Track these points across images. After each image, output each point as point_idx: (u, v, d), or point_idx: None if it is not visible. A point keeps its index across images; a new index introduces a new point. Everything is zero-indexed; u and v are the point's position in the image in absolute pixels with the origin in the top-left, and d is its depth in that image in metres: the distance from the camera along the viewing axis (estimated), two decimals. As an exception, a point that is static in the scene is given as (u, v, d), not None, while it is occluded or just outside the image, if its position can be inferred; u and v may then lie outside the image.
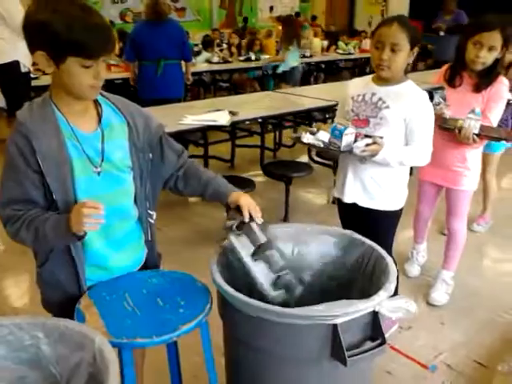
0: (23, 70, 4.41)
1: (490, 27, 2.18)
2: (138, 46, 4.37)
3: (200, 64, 7.17)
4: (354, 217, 2.06)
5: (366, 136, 1.89)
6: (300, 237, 1.67)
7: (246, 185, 3.22)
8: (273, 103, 4.28)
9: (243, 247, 1.42)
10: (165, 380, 1.76)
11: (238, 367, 1.50)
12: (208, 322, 1.38)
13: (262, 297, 1.40)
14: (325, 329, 1.23)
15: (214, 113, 3.53)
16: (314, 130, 1.94)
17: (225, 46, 9.22)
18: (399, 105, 1.90)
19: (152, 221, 1.56)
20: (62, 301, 1.42)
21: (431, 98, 2.07)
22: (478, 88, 2.30)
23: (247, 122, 4.03)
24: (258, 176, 4.19)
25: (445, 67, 2.46)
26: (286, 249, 1.66)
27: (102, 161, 1.36)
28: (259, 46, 8.10)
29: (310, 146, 2.06)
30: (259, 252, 1.42)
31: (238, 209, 1.45)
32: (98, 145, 1.36)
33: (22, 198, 1.30)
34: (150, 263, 1.60)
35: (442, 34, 5.90)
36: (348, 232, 1.65)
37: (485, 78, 2.28)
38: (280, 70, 6.31)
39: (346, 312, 1.23)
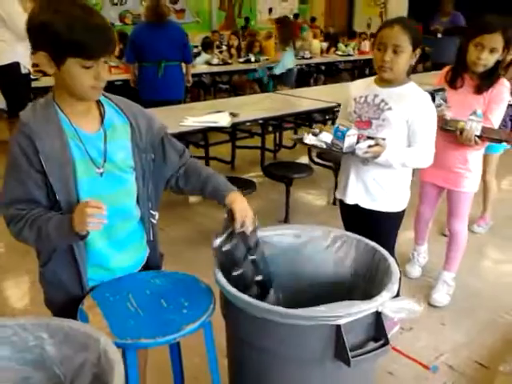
0: (23, 71, 4.41)
1: (492, 29, 2.19)
2: (139, 47, 4.37)
3: (200, 66, 7.18)
4: (357, 218, 2.07)
5: (369, 137, 1.89)
6: (301, 238, 1.67)
7: (246, 186, 3.23)
8: (273, 104, 4.29)
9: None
10: (167, 380, 1.77)
11: (241, 367, 1.50)
12: (211, 322, 1.39)
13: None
14: (328, 329, 1.23)
15: (214, 114, 3.53)
16: (317, 131, 1.95)
17: (224, 47, 9.23)
18: (401, 106, 1.91)
19: (154, 221, 1.57)
20: (64, 301, 1.43)
21: (432, 99, 2.07)
22: (479, 90, 2.30)
23: (248, 124, 4.04)
24: (258, 177, 4.20)
25: (446, 69, 2.47)
26: (287, 250, 1.67)
27: (105, 161, 1.36)
28: (259, 47, 8.10)
29: (312, 147, 2.06)
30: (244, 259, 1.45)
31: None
32: (100, 145, 1.36)
33: (25, 197, 1.30)
34: (153, 263, 1.61)
35: (439, 36, 5.90)
36: (350, 233, 1.65)
37: (486, 80, 2.28)
38: (275, 71, 6.26)
39: (350, 313, 1.23)
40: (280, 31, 6.28)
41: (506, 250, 3.29)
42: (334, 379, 1.37)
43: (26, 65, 4.43)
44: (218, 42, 9.41)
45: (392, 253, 1.70)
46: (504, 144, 2.95)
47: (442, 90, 2.29)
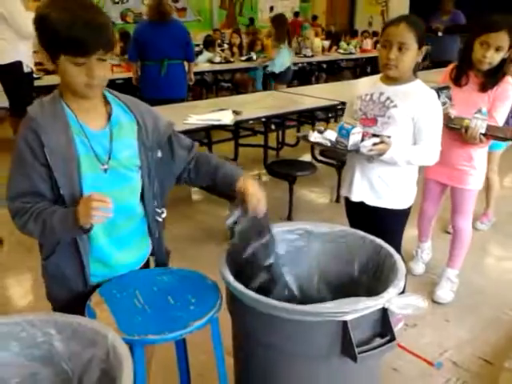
0: (26, 70, 4.42)
1: (497, 27, 2.19)
2: (141, 46, 4.37)
3: (202, 64, 7.18)
4: (362, 215, 2.07)
5: (374, 135, 1.89)
6: (307, 235, 1.67)
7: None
8: (275, 103, 4.29)
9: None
10: (173, 377, 1.77)
11: (247, 363, 1.51)
12: (218, 318, 1.39)
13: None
14: (335, 325, 1.24)
15: (217, 112, 3.54)
16: (322, 128, 1.95)
17: (226, 46, 9.23)
18: (407, 104, 1.90)
19: (160, 219, 1.57)
20: (66, 295, 1.44)
21: (437, 97, 2.07)
22: (484, 87, 2.30)
23: (251, 122, 4.04)
24: (261, 175, 4.20)
25: (451, 66, 2.47)
26: (292, 247, 1.67)
27: (109, 159, 1.37)
28: (260, 45, 8.10)
29: (317, 145, 2.07)
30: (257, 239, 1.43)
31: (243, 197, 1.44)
32: (106, 143, 1.37)
33: (30, 190, 1.31)
34: (159, 260, 1.61)
35: (440, 34, 5.89)
36: (355, 230, 1.65)
37: (491, 78, 2.28)
38: (274, 69, 6.18)
39: (356, 309, 1.23)
40: (275, 29, 6.19)
41: (508, 246, 3.30)
42: (341, 375, 1.38)
43: (29, 63, 4.44)
44: (219, 41, 9.41)
45: (398, 250, 1.71)
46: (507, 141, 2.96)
47: (447, 87, 2.29)
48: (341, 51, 9.75)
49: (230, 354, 1.56)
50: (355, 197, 2.07)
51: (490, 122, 2.22)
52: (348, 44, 10.17)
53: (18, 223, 1.33)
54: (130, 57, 4.69)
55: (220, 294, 1.41)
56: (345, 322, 1.23)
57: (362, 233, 1.62)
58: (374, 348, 1.28)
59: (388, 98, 1.93)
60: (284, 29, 6.09)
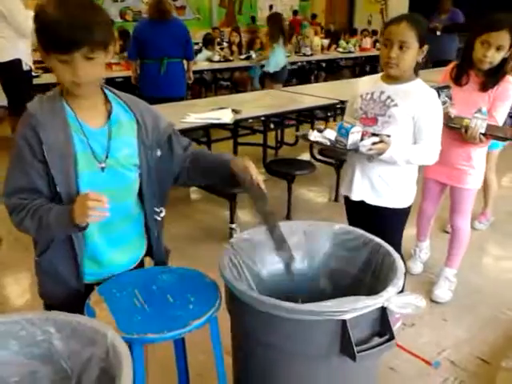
0: (25, 68, 4.42)
1: (499, 27, 2.19)
2: (141, 44, 4.36)
3: (201, 62, 7.18)
4: (362, 214, 2.07)
5: (373, 134, 1.89)
6: (306, 234, 1.68)
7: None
8: (274, 101, 4.29)
9: None
10: (171, 377, 1.77)
11: (246, 363, 1.51)
12: (217, 317, 1.39)
13: None
14: (334, 324, 1.24)
15: (217, 111, 3.54)
16: (321, 127, 1.96)
17: (225, 44, 9.22)
18: (408, 103, 1.91)
19: (159, 218, 1.57)
20: (59, 292, 1.44)
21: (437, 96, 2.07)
22: (484, 87, 2.30)
23: (250, 120, 4.04)
24: (260, 174, 4.20)
25: (451, 65, 2.47)
26: (292, 246, 1.67)
27: (107, 157, 1.37)
28: (260, 44, 8.09)
29: (316, 144, 2.07)
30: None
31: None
32: (104, 141, 1.37)
33: (28, 187, 1.32)
34: (158, 259, 1.61)
35: (438, 33, 5.89)
36: (355, 229, 1.65)
37: (492, 77, 2.29)
38: (269, 69, 6.08)
39: (355, 308, 1.23)
40: (269, 27, 6.12)
41: (506, 246, 3.30)
42: (340, 374, 1.38)
43: (28, 62, 4.44)
44: (218, 39, 9.40)
45: (398, 249, 1.71)
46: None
47: (447, 87, 2.29)
48: (340, 50, 9.75)
49: (229, 353, 1.56)
50: (355, 196, 2.07)
51: (489, 122, 2.22)
52: (347, 43, 10.18)
53: (15, 219, 1.33)
54: (130, 55, 4.68)
55: (219, 293, 1.41)
56: (344, 321, 1.23)
57: (361, 231, 1.63)
58: (373, 347, 1.28)
59: (389, 97, 1.93)
60: (278, 28, 6.01)
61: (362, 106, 2.00)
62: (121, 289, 1.42)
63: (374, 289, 1.39)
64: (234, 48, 8.79)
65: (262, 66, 6.43)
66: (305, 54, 8.65)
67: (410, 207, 2.09)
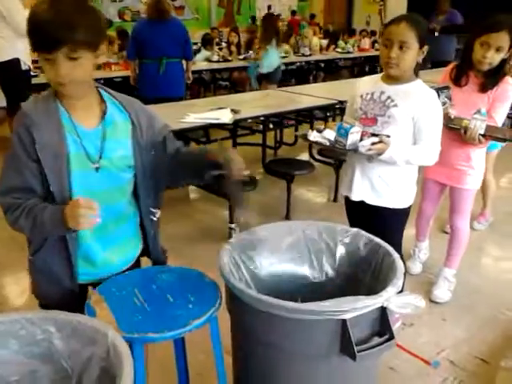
0: (23, 67, 4.41)
1: (498, 28, 2.19)
2: (140, 44, 4.36)
3: (200, 62, 7.17)
4: (362, 214, 2.07)
5: (373, 134, 1.89)
6: (305, 234, 1.68)
7: (248, 183, 3.22)
8: (273, 101, 4.29)
9: None
10: (171, 376, 1.77)
11: (246, 363, 1.51)
12: (217, 317, 1.39)
13: None
14: (334, 324, 1.24)
15: (216, 111, 3.54)
16: (321, 127, 1.96)
17: (224, 44, 9.22)
18: (407, 103, 1.91)
19: (155, 218, 1.56)
20: (53, 291, 1.44)
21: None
22: (483, 88, 2.31)
23: (249, 120, 4.04)
24: (259, 174, 4.21)
25: (450, 66, 2.48)
26: (291, 246, 1.67)
27: (100, 158, 1.36)
28: (258, 44, 8.10)
29: (316, 144, 2.07)
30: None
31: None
32: (97, 142, 1.36)
33: (22, 186, 1.32)
34: (156, 259, 1.61)
35: (436, 34, 5.90)
36: (355, 229, 1.65)
37: (491, 78, 2.29)
38: (262, 70, 6.02)
39: (355, 307, 1.24)
40: (263, 28, 6.08)
41: (505, 246, 3.31)
42: (340, 374, 1.38)
43: (26, 61, 4.43)
44: (217, 39, 9.40)
45: (398, 249, 1.71)
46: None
47: (447, 87, 2.30)
48: (339, 50, 9.76)
49: (229, 353, 1.57)
50: (355, 196, 2.07)
51: (489, 123, 2.23)
52: (346, 43, 10.18)
53: (10, 218, 1.34)
54: (129, 55, 4.68)
55: (219, 292, 1.41)
56: (344, 321, 1.23)
57: (360, 231, 1.63)
58: (373, 347, 1.28)
59: (389, 98, 1.94)
60: (272, 29, 5.96)
61: (362, 107, 2.00)
62: (121, 288, 1.42)
63: (373, 289, 1.40)
64: (233, 48, 8.79)
65: (257, 67, 6.43)
66: (303, 54, 8.65)
67: (409, 207, 2.10)
